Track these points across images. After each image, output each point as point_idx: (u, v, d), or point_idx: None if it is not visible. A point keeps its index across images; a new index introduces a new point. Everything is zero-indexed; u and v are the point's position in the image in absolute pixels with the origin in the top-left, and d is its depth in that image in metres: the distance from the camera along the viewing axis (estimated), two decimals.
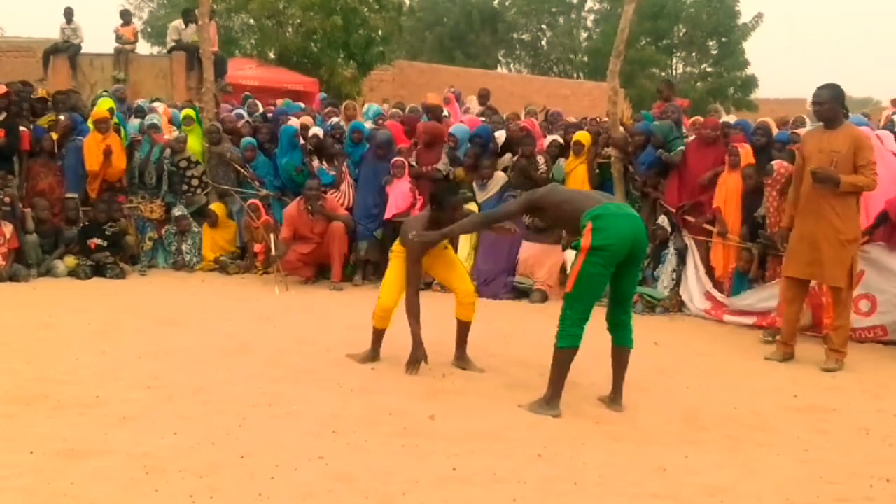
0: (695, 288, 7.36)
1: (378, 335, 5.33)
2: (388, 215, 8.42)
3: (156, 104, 10.19)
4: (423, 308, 5.13)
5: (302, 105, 11.33)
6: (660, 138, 7.83)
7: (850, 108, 6.89)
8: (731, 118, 9.09)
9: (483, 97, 12.59)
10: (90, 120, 9.04)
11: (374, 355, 5.34)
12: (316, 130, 8.99)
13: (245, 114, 10.30)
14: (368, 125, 9.39)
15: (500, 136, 8.88)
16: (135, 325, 6.27)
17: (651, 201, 8.05)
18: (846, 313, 5.58)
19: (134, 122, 9.60)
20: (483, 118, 10.03)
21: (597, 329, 6.70)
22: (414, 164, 8.58)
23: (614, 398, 4.55)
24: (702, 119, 8.62)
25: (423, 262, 5.15)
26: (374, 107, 11.24)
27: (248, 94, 13.03)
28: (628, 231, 4.22)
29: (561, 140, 8.58)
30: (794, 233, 5.72)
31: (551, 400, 4.37)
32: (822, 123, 5.66)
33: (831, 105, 5.48)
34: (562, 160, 8.49)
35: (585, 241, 4.19)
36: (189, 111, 9.52)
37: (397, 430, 4.04)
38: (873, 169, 5.40)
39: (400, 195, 8.44)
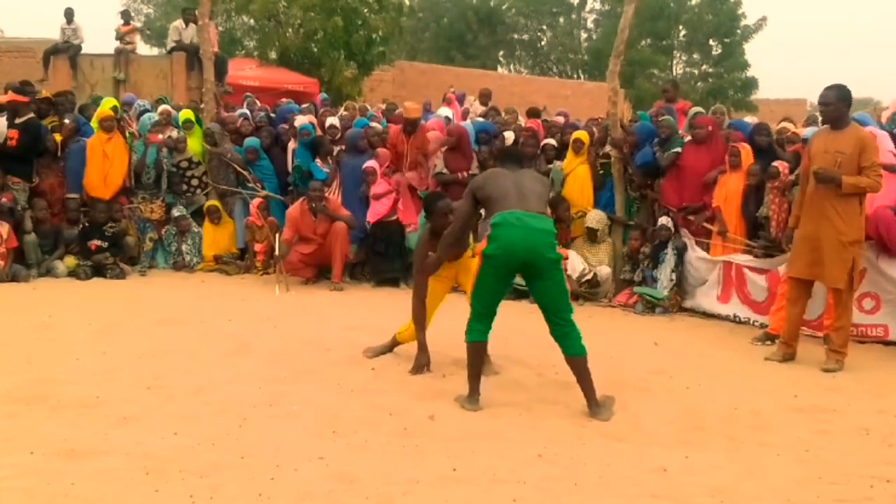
0: (699, 278, 7.34)
1: (394, 346, 5.48)
2: (370, 219, 8.44)
3: (163, 106, 10.17)
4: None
5: (300, 107, 11.30)
6: (668, 131, 7.84)
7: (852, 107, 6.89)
8: (753, 119, 8.99)
9: (484, 97, 12.59)
10: (95, 120, 9.08)
11: (382, 352, 5.46)
12: (332, 121, 9.23)
13: (248, 113, 10.28)
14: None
15: (510, 136, 8.89)
16: (135, 326, 6.27)
17: (649, 202, 8.06)
18: (847, 314, 5.57)
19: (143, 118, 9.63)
20: (485, 118, 10.04)
21: (596, 330, 6.73)
22: (444, 171, 8.47)
23: (591, 409, 4.37)
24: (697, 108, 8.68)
25: (448, 273, 5.25)
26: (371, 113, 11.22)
27: (248, 94, 13.01)
28: (518, 243, 4.24)
29: (555, 143, 8.58)
30: (797, 233, 5.72)
31: (470, 395, 4.47)
32: (827, 125, 5.65)
33: (837, 106, 5.47)
34: (558, 163, 8.51)
35: (480, 246, 4.40)
36: (187, 113, 9.52)
37: (397, 430, 4.04)
38: (878, 171, 5.39)
39: (377, 202, 8.44)
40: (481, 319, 4.48)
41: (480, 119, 9.96)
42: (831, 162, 5.41)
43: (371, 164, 8.49)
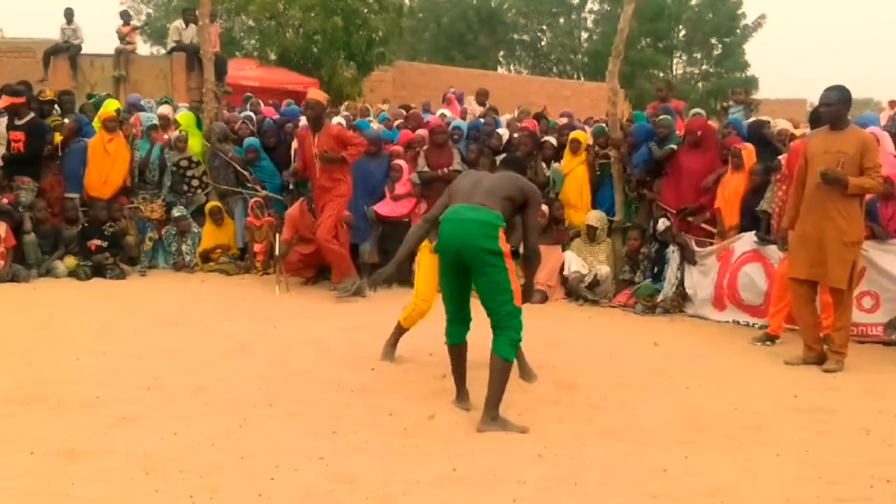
0: (699, 280, 7.34)
1: (400, 332, 5.34)
2: (383, 213, 8.42)
3: (161, 109, 10.18)
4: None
5: (299, 108, 11.32)
6: (666, 130, 7.86)
7: (851, 108, 6.90)
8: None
9: (481, 97, 12.59)
10: (97, 119, 9.09)
11: (390, 353, 5.34)
12: (339, 120, 9.20)
13: (252, 116, 10.29)
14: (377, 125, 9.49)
15: (504, 133, 8.88)
16: (135, 326, 6.26)
17: (647, 202, 8.05)
18: (847, 315, 5.57)
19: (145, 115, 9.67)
20: (483, 118, 10.04)
21: (596, 330, 6.73)
22: (426, 168, 8.46)
23: (483, 417, 4.17)
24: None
25: None
26: (383, 115, 11.28)
27: (248, 94, 13.00)
28: (451, 235, 4.21)
29: (554, 142, 8.58)
30: (795, 234, 5.71)
31: (457, 396, 4.51)
32: (826, 126, 5.65)
33: (839, 107, 5.47)
34: (556, 164, 8.49)
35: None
36: (189, 117, 9.55)
37: (397, 431, 4.04)
38: (879, 171, 5.41)
39: (396, 203, 8.44)
40: (452, 322, 4.44)
41: (480, 119, 9.95)
42: (833, 162, 5.41)
43: (399, 161, 8.52)
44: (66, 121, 9.03)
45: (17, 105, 8.61)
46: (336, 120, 9.34)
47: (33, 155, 8.55)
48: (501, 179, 4.43)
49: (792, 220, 5.76)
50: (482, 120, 9.61)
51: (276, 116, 10.27)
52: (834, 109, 5.49)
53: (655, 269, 7.64)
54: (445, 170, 8.38)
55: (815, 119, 6.38)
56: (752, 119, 8.33)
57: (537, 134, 8.87)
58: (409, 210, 8.44)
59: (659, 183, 7.93)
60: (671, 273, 7.43)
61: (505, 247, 4.16)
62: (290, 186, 9.15)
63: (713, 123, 8.61)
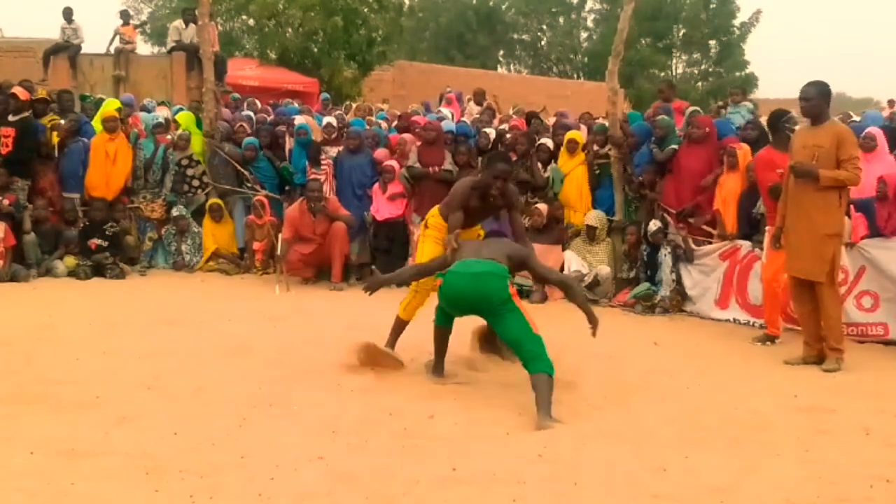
0: (700, 280, 7.32)
1: (401, 326, 5.34)
2: (379, 217, 8.43)
3: (162, 114, 10.19)
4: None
5: (298, 107, 11.31)
6: (663, 131, 7.85)
7: (850, 108, 6.89)
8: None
9: (478, 96, 12.58)
10: (97, 119, 9.09)
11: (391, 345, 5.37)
12: (329, 120, 9.29)
13: (251, 115, 10.29)
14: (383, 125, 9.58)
15: (491, 133, 8.87)
16: (135, 326, 6.27)
17: (648, 203, 8.04)
18: (835, 311, 5.55)
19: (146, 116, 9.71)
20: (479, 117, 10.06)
21: (596, 331, 6.72)
22: (417, 164, 8.52)
23: (540, 416, 4.24)
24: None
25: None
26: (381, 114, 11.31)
27: (235, 94, 12.83)
28: (454, 291, 4.58)
29: (550, 144, 8.56)
30: (784, 231, 5.72)
31: (434, 367, 4.96)
32: (807, 121, 5.66)
33: (818, 101, 5.48)
34: (555, 164, 8.48)
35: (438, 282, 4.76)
36: (189, 117, 9.55)
37: (397, 431, 4.04)
38: (856, 164, 5.40)
39: (391, 202, 8.44)
40: (443, 313, 4.81)
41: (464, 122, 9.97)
42: (809, 156, 5.43)
43: (390, 163, 8.51)
44: (63, 121, 9.00)
45: (17, 101, 8.55)
46: (326, 120, 9.33)
47: (22, 154, 8.46)
48: (501, 244, 4.88)
49: (783, 217, 5.76)
50: (467, 122, 9.63)
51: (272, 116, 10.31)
52: (813, 104, 5.49)
53: (648, 272, 7.61)
54: (436, 169, 8.40)
55: (774, 119, 6.38)
56: (748, 120, 8.32)
57: (532, 134, 8.86)
58: (402, 211, 8.44)
59: (660, 183, 7.92)
60: (665, 276, 7.42)
61: (512, 289, 4.53)
62: (288, 187, 9.15)
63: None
